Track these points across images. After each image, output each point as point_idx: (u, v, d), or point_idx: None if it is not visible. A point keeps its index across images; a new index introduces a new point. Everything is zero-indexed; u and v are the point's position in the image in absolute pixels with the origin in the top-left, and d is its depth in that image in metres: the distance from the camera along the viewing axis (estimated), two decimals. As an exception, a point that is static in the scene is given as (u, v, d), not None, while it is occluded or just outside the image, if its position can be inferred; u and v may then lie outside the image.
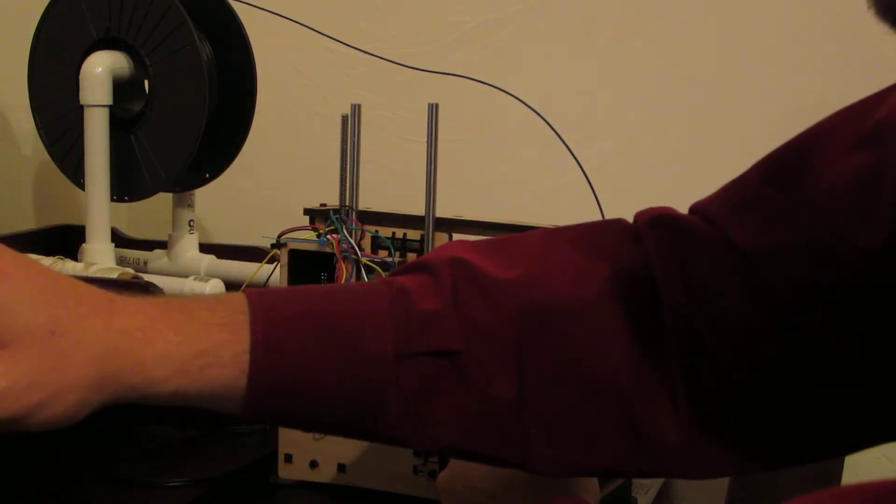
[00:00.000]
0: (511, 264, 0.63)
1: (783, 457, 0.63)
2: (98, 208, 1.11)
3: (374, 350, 0.58)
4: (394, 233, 0.84)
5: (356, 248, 0.83)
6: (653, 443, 0.61)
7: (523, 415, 0.60)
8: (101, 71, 1.09)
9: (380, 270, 0.82)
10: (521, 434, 0.60)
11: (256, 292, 0.58)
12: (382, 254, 0.84)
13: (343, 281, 0.82)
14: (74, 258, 1.12)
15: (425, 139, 0.83)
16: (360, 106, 0.85)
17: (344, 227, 0.83)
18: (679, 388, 0.61)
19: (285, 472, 0.88)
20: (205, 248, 1.20)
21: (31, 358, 0.49)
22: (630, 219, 0.67)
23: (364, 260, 0.82)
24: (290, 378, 0.57)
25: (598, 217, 0.87)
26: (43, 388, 0.50)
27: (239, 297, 0.58)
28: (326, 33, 1.09)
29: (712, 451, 0.61)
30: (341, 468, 0.87)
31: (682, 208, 0.66)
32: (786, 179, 0.60)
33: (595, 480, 0.72)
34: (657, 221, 0.64)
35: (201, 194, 1.20)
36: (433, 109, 0.82)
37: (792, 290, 0.58)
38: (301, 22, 1.10)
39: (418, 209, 0.84)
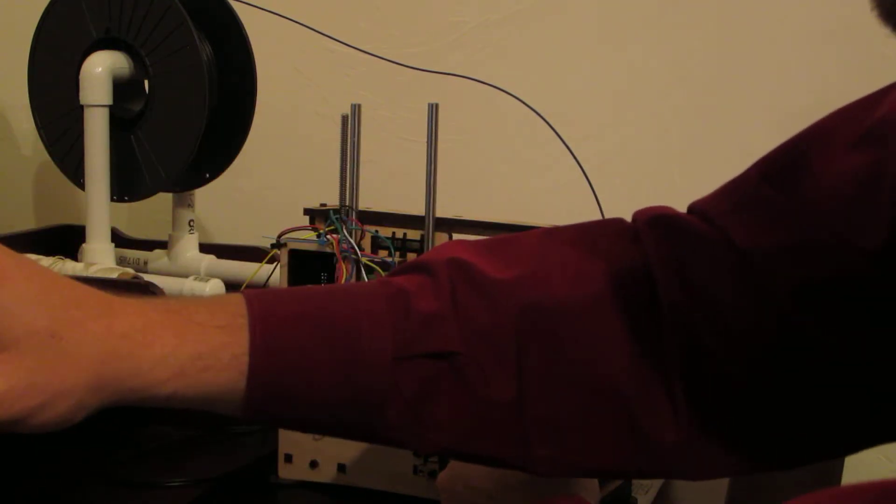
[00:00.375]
0: (509, 265, 0.63)
1: (782, 457, 0.63)
2: (98, 208, 1.11)
3: (373, 352, 0.58)
4: (394, 233, 0.84)
5: (356, 248, 0.83)
6: (652, 443, 0.61)
7: (523, 416, 0.60)
8: (101, 71, 1.09)
9: (380, 270, 0.82)
10: (521, 435, 0.60)
11: (255, 293, 0.58)
12: (382, 254, 0.84)
13: (343, 281, 0.82)
14: (74, 258, 1.12)
15: (425, 139, 0.83)
16: (360, 106, 0.85)
17: (344, 227, 0.83)
18: (678, 388, 0.60)
19: (285, 472, 0.88)
20: (205, 248, 1.20)
21: (30, 361, 0.49)
22: (629, 218, 0.67)
23: (364, 260, 0.82)
24: (288, 380, 0.57)
25: (598, 217, 0.87)
26: (42, 392, 0.50)
27: (237, 299, 0.58)
28: (326, 33, 1.09)
29: (711, 452, 0.61)
30: (341, 468, 0.87)
31: (682, 208, 0.66)
32: (785, 179, 0.60)
33: (595, 480, 0.72)
34: (656, 221, 0.64)
35: (201, 194, 1.20)
36: (433, 109, 0.82)
37: (791, 289, 0.58)
38: (301, 22, 1.10)
39: (418, 209, 0.84)
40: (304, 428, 0.63)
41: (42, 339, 0.50)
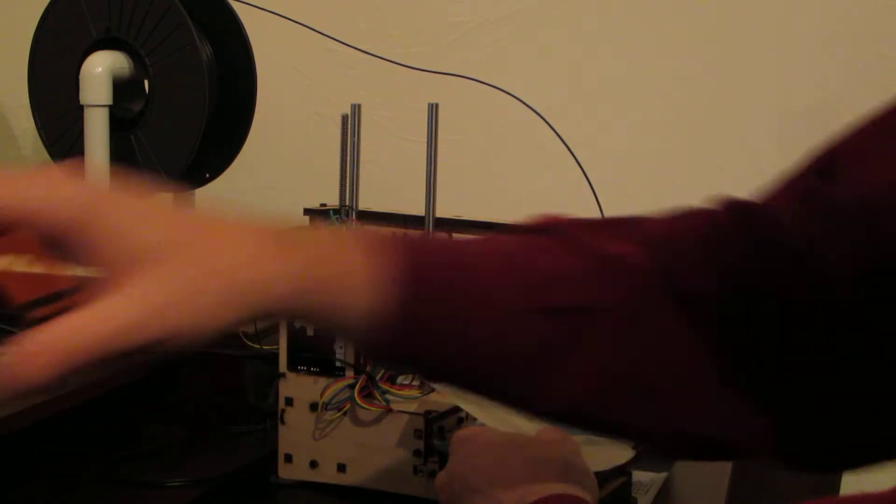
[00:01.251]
0: (634, 242, 0.62)
1: (851, 457, 0.62)
2: (98, 208, 1.11)
3: (508, 300, 0.57)
4: (394, 233, 0.84)
5: (356, 248, 0.83)
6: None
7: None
8: (101, 71, 1.09)
9: (380, 270, 0.82)
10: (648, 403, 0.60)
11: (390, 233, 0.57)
12: (382, 254, 0.84)
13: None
14: (74, 258, 1.12)
15: (425, 139, 0.83)
16: (360, 106, 0.85)
17: (344, 227, 0.83)
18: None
19: (285, 472, 0.88)
20: (205, 248, 1.20)
21: (158, 273, 0.47)
22: (632, 213, 0.66)
23: (364, 260, 0.82)
24: (447, 277, 0.56)
25: (597, 217, 0.87)
26: (179, 305, 0.47)
27: (375, 232, 0.56)
28: (326, 33, 1.10)
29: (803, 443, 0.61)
30: (341, 468, 0.87)
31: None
32: (842, 171, 0.59)
33: (594, 478, 0.72)
34: (734, 211, 0.63)
35: (201, 194, 1.20)
36: (433, 109, 0.83)
37: (849, 275, 0.57)
38: (301, 22, 1.10)
39: (418, 209, 0.84)
40: (440, 361, 0.59)
41: (165, 249, 0.48)
